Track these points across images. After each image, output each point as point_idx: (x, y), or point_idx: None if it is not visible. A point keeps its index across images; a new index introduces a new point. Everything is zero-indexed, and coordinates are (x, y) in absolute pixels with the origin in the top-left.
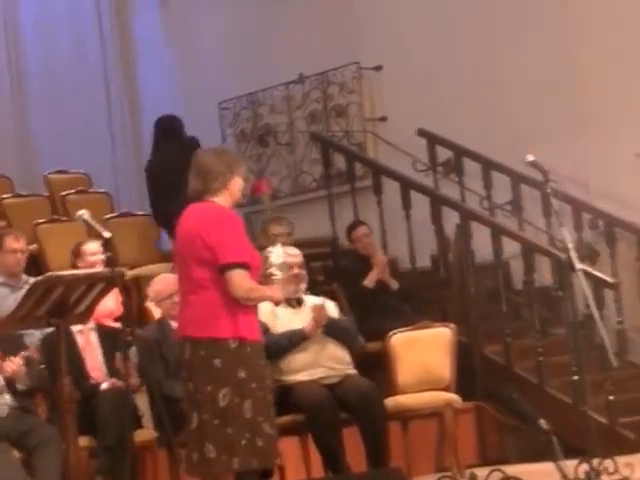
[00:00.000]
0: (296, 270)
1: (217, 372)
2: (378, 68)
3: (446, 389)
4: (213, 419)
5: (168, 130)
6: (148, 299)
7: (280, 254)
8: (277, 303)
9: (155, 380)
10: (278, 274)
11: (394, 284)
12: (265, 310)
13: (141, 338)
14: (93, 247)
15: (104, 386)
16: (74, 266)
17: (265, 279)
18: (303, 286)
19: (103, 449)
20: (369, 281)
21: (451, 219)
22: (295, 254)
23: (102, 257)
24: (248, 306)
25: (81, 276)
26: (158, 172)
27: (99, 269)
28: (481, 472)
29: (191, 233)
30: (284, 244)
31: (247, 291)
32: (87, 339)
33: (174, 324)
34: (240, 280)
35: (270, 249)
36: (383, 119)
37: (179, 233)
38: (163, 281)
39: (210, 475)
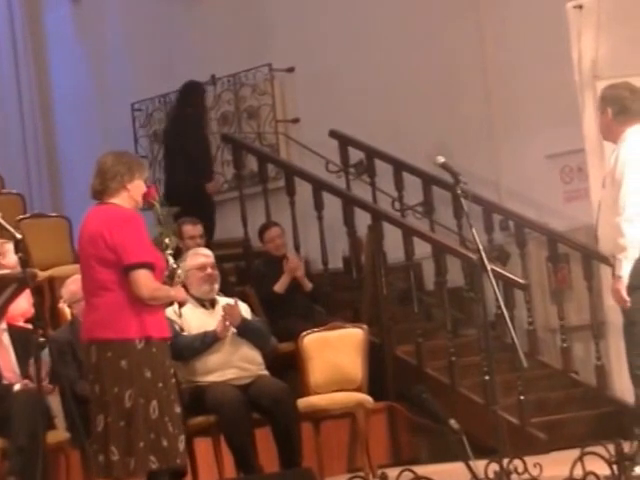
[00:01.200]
0: (209, 270)
1: (123, 373)
2: (290, 70)
3: (358, 389)
4: (119, 421)
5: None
6: (62, 300)
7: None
8: (181, 304)
9: (68, 380)
10: (182, 275)
11: (308, 285)
12: (170, 311)
13: (53, 339)
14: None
15: (17, 387)
16: None
17: (170, 281)
18: (216, 286)
19: (15, 450)
20: (279, 287)
21: (363, 220)
22: (207, 254)
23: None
24: (154, 305)
25: None
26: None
27: (8, 270)
28: (393, 472)
29: (93, 235)
30: (197, 245)
31: (152, 291)
32: (0, 340)
33: None
34: (145, 280)
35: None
36: (295, 121)
37: (82, 235)
38: (77, 282)
39: (114, 478)
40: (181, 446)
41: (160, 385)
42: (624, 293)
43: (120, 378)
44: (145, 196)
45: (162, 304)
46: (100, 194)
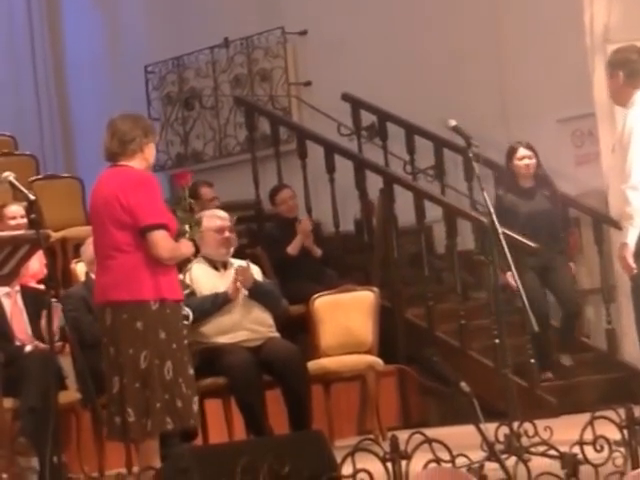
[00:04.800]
0: (227, 234)
1: (139, 334)
2: (303, 33)
3: (368, 352)
4: (134, 382)
5: None
6: (82, 259)
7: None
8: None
9: (84, 325)
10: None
11: (317, 252)
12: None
13: (67, 295)
14: (14, 210)
15: (28, 348)
16: None
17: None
18: (232, 250)
19: (27, 410)
20: (292, 248)
21: (375, 183)
22: (224, 217)
23: (24, 221)
24: (168, 266)
25: (5, 238)
26: None
27: (22, 231)
28: (403, 435)
29: (108, 197)
30: (213, 207)
31: (171, 251)
32: (14, 301)
33: None
34: (163, 241)
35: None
36: (308, 84)
37: (95, 197)
38: None
39: (129, 439)
40: (195, 407)
41: (174, 346)
42: (630, 260)
43: (135, 339)
44: (179, 179)
45: (175, 265)
46: (117, 156)
